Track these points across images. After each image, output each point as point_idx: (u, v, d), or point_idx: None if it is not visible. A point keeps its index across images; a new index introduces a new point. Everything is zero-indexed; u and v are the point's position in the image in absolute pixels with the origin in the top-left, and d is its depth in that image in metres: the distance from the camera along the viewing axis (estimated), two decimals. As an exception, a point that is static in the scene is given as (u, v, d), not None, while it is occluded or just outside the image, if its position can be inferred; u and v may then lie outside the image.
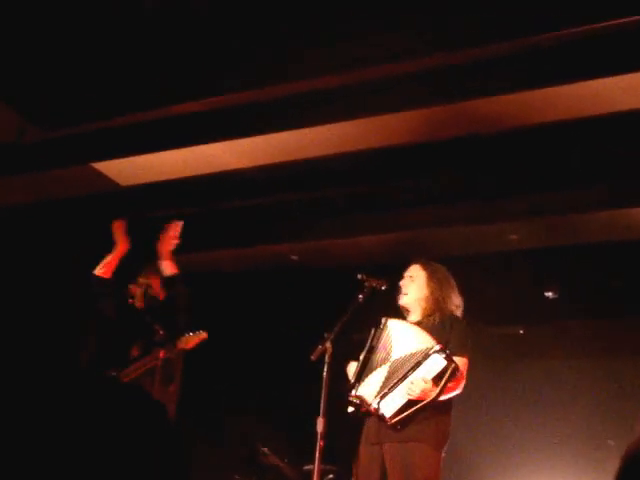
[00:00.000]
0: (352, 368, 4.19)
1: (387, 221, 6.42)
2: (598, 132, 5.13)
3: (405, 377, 3.97)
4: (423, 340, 4.04)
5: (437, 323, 4.13)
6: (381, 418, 3.96)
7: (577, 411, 6.47)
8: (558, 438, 6.46)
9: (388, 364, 4.07)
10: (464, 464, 6.52)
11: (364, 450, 4.06)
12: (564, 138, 5.26)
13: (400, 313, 4.37)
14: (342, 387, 4.19)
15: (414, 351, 4.01)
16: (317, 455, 3.88)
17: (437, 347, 3.96)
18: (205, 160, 5.85)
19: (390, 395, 3.96)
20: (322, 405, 3.92)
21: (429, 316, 4.20)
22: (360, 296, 4.20)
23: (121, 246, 5.00)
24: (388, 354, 4.10)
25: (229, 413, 7.21)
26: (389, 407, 3.93)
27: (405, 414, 3.90)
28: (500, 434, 6.70)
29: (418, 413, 3.94)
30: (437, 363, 3.93)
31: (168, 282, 4.89)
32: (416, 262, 4.38)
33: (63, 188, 6.29)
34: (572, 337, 6.82)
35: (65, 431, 0.90)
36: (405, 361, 4.02)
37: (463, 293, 6.11)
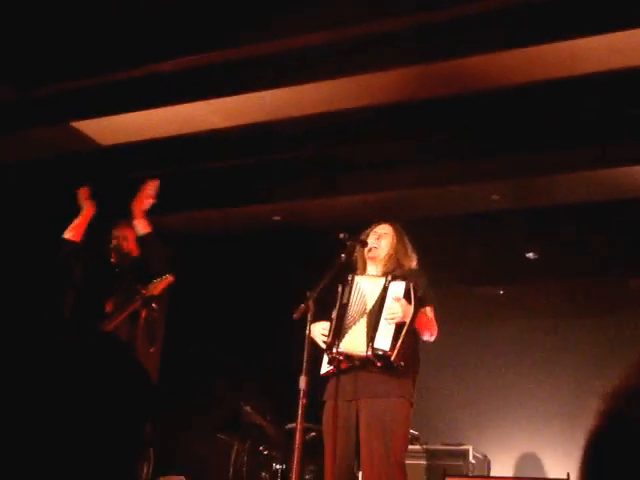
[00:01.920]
0: (318, 328, 4.21)
1: (369, 181, 6.42)
2: (579, 92, 5.13)
3: (380, 313, 4.09)
4: (381, 281, 4.21)
5: (399, 275, 4.20)
6: (382, 358, 3.98)
7: (558, 369, 6.55)
8: (540, 394, 6.55)
9: (365, 316, 4.13)
10: (446, 421, 6.60)
11: (339, 406, 4.10)
12: (546, 99, 5.26)
13: (362, 269, 4.41)
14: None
15: (378, 294, 4.15)
16: (300, 413, 3.89)
17: (389, 277, 4.14)
18: (186, 120, 5.80)
19: (378, 334, 4.02)
20: (305, 363, 3.93)
21: (392, 271, 4.27)
22: (342, 255, 4.21)
23: (87, 210, 5.03)
24: (364, 307, 4.17)
25: (212, 373, 7.24)
26: (384, 341, 3.99)
27: (400, 341, 3.96)
28: (482, 392, 6.78)
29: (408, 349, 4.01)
30: (398, 287, 4.10)
31: (141, 241, 4.88)
32: (385, 221, 4.45)
33: (42, 147, 6.23)
34: (552, 297, 6.88)
35: (42, 375, 0.90)
36: (375, 305, 4.14)
37: (444, 253, 6.16)
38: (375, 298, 4.16)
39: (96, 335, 1.04)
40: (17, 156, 6.36)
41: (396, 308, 4.03)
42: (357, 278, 4.31)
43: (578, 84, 5.01)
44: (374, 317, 4.10)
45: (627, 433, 0.69)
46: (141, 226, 4.88)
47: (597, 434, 0.72)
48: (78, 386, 0.94)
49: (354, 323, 4.16)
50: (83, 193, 5.12)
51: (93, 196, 5.12)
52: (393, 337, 3.99)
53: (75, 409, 0.92)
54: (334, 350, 4.11)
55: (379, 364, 4.02)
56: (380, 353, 3.98)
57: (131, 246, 4.98)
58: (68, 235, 4.95)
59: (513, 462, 6.52)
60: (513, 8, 4.42)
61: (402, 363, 3.99)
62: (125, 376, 0.98)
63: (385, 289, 4.13)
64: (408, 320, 4.02)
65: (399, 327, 4.01)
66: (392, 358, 3.96)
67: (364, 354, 4.03)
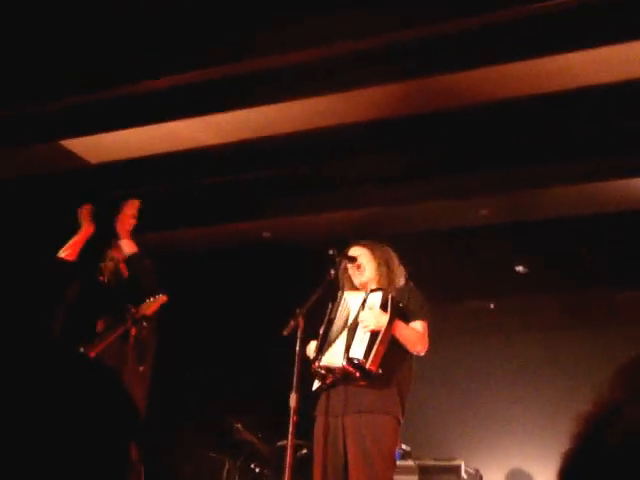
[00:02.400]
0: (312, 346, 4.23)
1: (358, 197, 6.44)
2: (567, 107, 5.16)
3: (357, 325, 4.11)
4: (362, 295, 4.23)
5: (393, 294, 4.20)
6: (358, 367, 3.98)
7: (548, 382, 6.57)
8: (531, 407, 6.55)
9: (346, 329, 4.15)
10: (437, 436, 6.59)
11: (328, 422, 4.09)
12: (535, 113, 5.29)
13: (349, 287, 4.42)
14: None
15: (359, 307, 4.19)
16: (291, 430, 3.90)
17: (368, 291, 4.18)
18: (174, 137, 5.82)
19: (353, 343, 4.03)
20: (295, 381, 3.94)
21: (387, 291, 4.26)
22: (332, 271, 4.23)
23: (86, 229, 4.98)
24: (346, 321, 4.18)
25: (202, 390, 7.22)
26: (358, 350, 4.00)
27: (375, 349, 3.96)
28: (473, 406, 6.78)
29: (384, 375, 4.00)
30: (375, 298, 4.12)
31: (129, 261, 4.87)
32: (358, 243, 4.41)
33: (31, 166, 6.23)
34: (542, 310, 6.90)
35: (24, 396, 0.90)
36: (356, 318, 4.16)
37: (433, 268, 6.17)
38: (356, 311, 4.17)
39: (80, 358, 1.04)
40: (5, 174, 6.35)
41: (368, 316, 4.04)
42: (346, 294, 4.33)
43: (567, 98, 5.04)
44: (352, 328, 4.11)
45: (601, 456, 0.69)
46: (127, 247, 4.86)
47: (571, 457, 0.72)
48: (60, 409, 0.94)
49: (336, 337, 4.18)
50: (85, 212, 5.04)
51: (94, 215, 5.06)
52: (367, 345, 3.99)
53: (57, 432, 0.92)
54: (316, 364, 4.11)
55: (357, 374, 4.02)
56: (355, 362, 3.99)
57: (122, 266, 4.98)
58: (64, 254, 4.91)
59: (505, 476, 6.52)
60: (502, 23, 4.44)
61: (380, 371, 3.97)
62: (108, 400, 0.98)
63: (364, 301, 4.16)
64: (383, 329, 4.00)
65: (374, 336, 4.01)
66: (367, 366, 3.95)
67: (340, 364, 4.03)
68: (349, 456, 4.01)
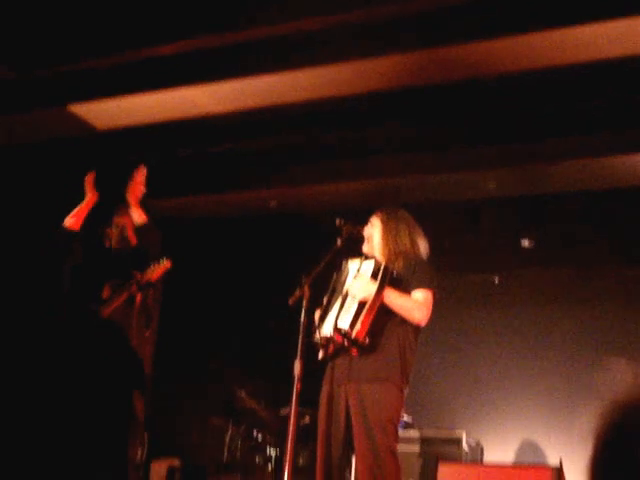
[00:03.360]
0: (317, 315, 4.24)
1: (366, 167, 6.42)
2: (578, 81, 5.13)
3: (348, 294, 4.08)
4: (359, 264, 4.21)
5: (401, 268, 4.16)
6: (346, 337, 3.98)
7: (552, 356, 6.59)
8: (533, 381, 6.58)
9: (340, 297, 4.14)
10: (439, 408, 6.63)
11: (332, 391, 4.10)
12: (545, 87, 5.26)
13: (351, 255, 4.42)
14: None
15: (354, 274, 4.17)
16: (294, 398, 3.90)
17: (363, 258, 4.18)
18: (181, 104, 5.79)
19: (342, 312, 4.03)
20: (299, 348, 3.94)
21: (392, 262, 4.23)
22: (338, 241, 4.22)
23: (90, 198, 4.97)
24: (342, 289, 4.17)
25: (206, 357, 7.26)
26: (346, 320, 3.98)
27: (362, 319, 3.94)
28: (476, 379, 6.81)
29: (382, 330, 4.00)
30: (368, 265, 4.10)
31: (138, 230, 4.86)
32: (377, 210, 4.40)
33: (38, 131, 6.21)
34: (547, 284, 6.90)
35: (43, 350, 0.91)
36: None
37: (440, 240, 6.16)
38: (350, 280, 4.18)
39: (88, 314, 1.04)
40: (12, 139, 6.34)
41: (356, 286, 4.02)
42: (348, 263, 4.32)
43: (578, 71, 5.00)
44: (344, 298, 4.10)
45: None
46: (137, 215, 4.87)
47: None
48: (69, 361, 0.95)
49: (333, 306, 4.17)
50: (89, 180, 5.03)
51: (97, 183, 5.06)
52: (354, 315, 3.97)
53: (66, 382, 0.93)
54: (317, 335, 4.12)
55: (345, 343, 4.02)
56: (342, 332, 3.99)
57: (130, 233, 4.98)
58: (68, 223, 4.91)
59: (506, 448, 6.56)
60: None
61: (367, 340, 3.95)
62: (115, 352, 0.99)
63: (357, 270, 4.14)
64: (370, 298, 4.00)
65: (361, 305, 4.00)
66: (352, 335, 3.94)
67: (329, 334, 4.04)
68: (352, 425, 4.03)
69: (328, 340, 4.08)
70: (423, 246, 4.32)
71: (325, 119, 5.80)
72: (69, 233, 4.87)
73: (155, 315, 5.09)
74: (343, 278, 4.24)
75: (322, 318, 4.15)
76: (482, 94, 5.36)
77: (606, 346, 6.32)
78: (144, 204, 4.98)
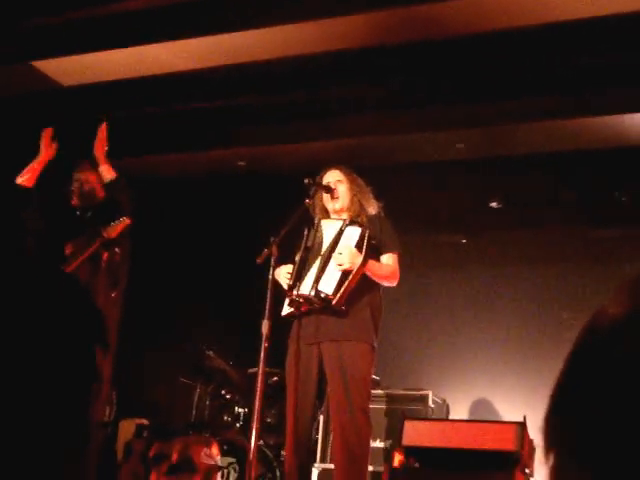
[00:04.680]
0: (283, 271, 4.23)
1: (334, 127, 6.39)
2: (547, 41, 5.12)
3: (330, 256, 4.11)
4: (339, 224, 4.23)
5: (365, 223, 4.21)
6: (324, 301, 4.02)
7: (516, 317, 6.66)
8: (499, 340, 6.66)
9: (319, 257, 4.16)
10: (406, 367, 6.70)
11: (301, 349, 4.14)
12: (513, 46, 5.25)
13: (323, 215, 4.42)
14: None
15: (334, 236, 4.17)
16: (262, 357, 3.92)
17: (347, 221, 4.18)
18: (148, 61, 5.71)
19: (324, 276, 4.06)
20: (267, 308, 3.95)
21: (357, 217, 4.28)
22: (307, 200, 4.22)
23: (45, 154, 4.86)
24: (319, 249, 4.19)
25: (174, 317, 7.25)
26: (328, 285, 4.03)
27: (344, 287, 3.99)
28: (443, 338, 6.88)
29: (356, 297, 4.05)
30: (353, 232, 4.12)
31: (109, 186, 4.80)
32: (334, 167, 4.41)
33: (2, 87, 6.09)
34: (515, 246, 6.96)
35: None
36: (329, 246, 4.17)
37: (407, 201, 6.18)
38: (330, 241, 4.18)
39: (49, 269, 1.03)
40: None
41: (344, 256, 4.04)
42: (322, 222, 4.33)
43: (546, 32, 5.00)
44: (324, 259, 4.13)
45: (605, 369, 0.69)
46: (106, 171, 4.79)
47: (572, 369, 0.72)
48: (30, 314, 0.93)
49: (311, 265, 4.19)
50: (46, 135, 4.92)
51: (55, 139, 4.95)
52: (338, 282, 4.02)
53: (26, 335, 0.92)
54: (294, 292, 4.13)
55: (318, 305, 4.06)
56: (322, 295, 4.02)
57: (94, 188, 4.90)
58: (20, 180, 4.81)
59: (472, 406, 6.66)
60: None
61: (343, 308, 4.02)
62: (75, 308, 0.98)
63: (340, 232, 4.15)
64: (355, 269, 4.03)
65: (346, 273, 4.04)
66: (333, 302, 3.99)
67: (307, 293, 4.06)
68: (328, 383, 4.08)
69: (305, 299, 4.10)
70: (376, 203, 4.38)
71: (293, 78, 5.76)
72: (22, 188, 4.77)
73: (122, 276, 5.04)
74: (319, 237, 4.25)
75: (298, 276, 4.17)
76: (450, 53, 5.34)
77: (571, 305, 6.41)
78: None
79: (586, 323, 0.75)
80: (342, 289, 4.00)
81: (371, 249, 4.13)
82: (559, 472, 0.71)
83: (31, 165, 4.82)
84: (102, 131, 4.86)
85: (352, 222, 4.17)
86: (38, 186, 4.81)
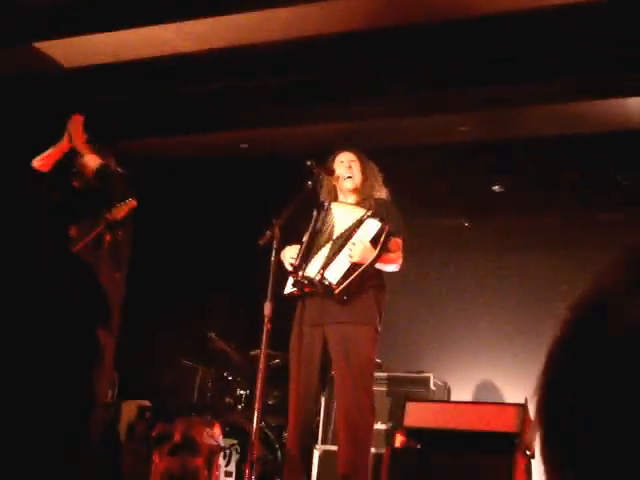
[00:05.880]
0: (289, 252, 4.23)
1: (336, 110, 6.37)
2: (551, 24, 5.10)
3: (344, 245, 4.08)
4: (359, 212, 4.17)
5: (374, 207, 4.20)
6: (327, 288, 4.02)
7: (519, 300, 6.66)
8: (500, 323, 6.67)
9: (331, 242, 4.15)
10: (408, 350, 6.71)
11: (304, 332, 4.15)
12: (517, 29, 5.22)
13: (330, 198, 4.41)
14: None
15: (351, 223, 4.13)
16: (264, 338, 3.93)
17: (369, 212, 4.11)
18: (150, 43, 5.69)
19: (333, 263, 4.05)
20: (269, 290, 3.96)
21: (365, 201, 4.27)
22: (309, 182, 4.21)
23: (66, 142, 4.71)
24: (331, 233, 4.18)
25: (177, 299, 7.27)
26: (334, 274, 4.02)
27: (349, 280, 3.99)
28: (444, 321, 6.88)
29: (360, 285, 4.04)
30: (372, 226, 4.07)
31: (98, 174, 4.70)
32: (348, 149, 4.40)
33: (2, 68, 6.07)
34: (517, 230, 6.96)
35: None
36: (344, 233, 4.13)
37: (410, 184, 6.17)
38: (345, 227, 4.15)
39: (55, 249, 1.03)
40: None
41: (357, 248, 4.01)
42: (333, 205, 4.31)
43: (549, 15, 4.97)
44: (337, 246, 4.11)
45: (601, 346, 0.67)
46: (92, 161, 4.66)
47: (565, 345, 0.70)
48: (34, 295, 0.94)
49: (320, 249, 4.18)
50: (76, 122, 4.75)
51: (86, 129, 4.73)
52: (344, 274, 4.00)
53: (31, 315, 0.92)
54: (300, 273, 4.13)
55: (320, 290, 4.06)
56: (326, 283, 4.01)
57: (91, 174, 4.86)
58: (37, 164, 4.73)
59: (473, 389, 6.67)
60: None
61: (345, 298, 4.02)
62: (80, 289, 0.98)
63: (360, 222, 4.10)
64: (365, 263, 4.02)
65: (354, 266, 4.02)
66: (335, 292, 3.99)
67: (312, 276, 4.06)
68: (333, 365, 4.10)
69: (310, 281, 4.10)
70: (384, 189, 4.38)
71: (295, 60, 5.74)
72: (37, 172, 4.73)
73: (125, 257, 5.05)
74: (330, 221, 4.22)
75: (305, 257, 4.16)
76: (454, 37, 5.32)
77: (574, 290, 6.40)
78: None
79: (583, 299, 0.73)
80: (347, 281, 3.99)
81: (386, 247, 4.09)
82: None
83: (50, 151, 4.69)
84: (77, 122, 4.67)
85: (374, 214, 4.11)
86: (54, 171, 4.72)
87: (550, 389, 0.70)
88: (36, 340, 0.80)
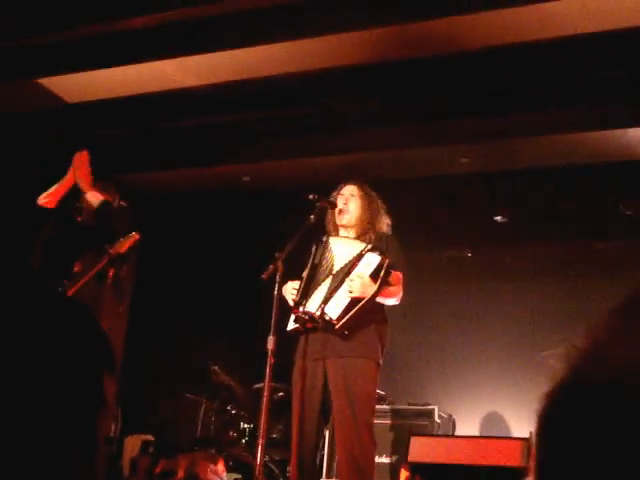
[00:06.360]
0: (290, 287, 4.22)
1: (338, 142, 6.40)
2: (552, 56, 5.14)
3: (344, 280, 4.07)
4: (359, 247, 4.15)
5: (374, 240, 4.20)
6: (328, 323, 4.01)
7: (522, 331, 6.64)
8: (505, 355, 6.64)
9: (331, 277, 4.14)
10: (412, 382, 6.68)
11: (306, 366, 4.13)
12: (517, 62, 5.26)
13: (334, 232, 4.41)
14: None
15: (351, 258, 4.12)
16: (267, 372, 3.92)
17: (369, 246, 4.09)
18: (155, 77, 5.73)
19: (333, 299, 4.03)
20: (273, 324, 3.95)
21: (364, 234, 4.27)
22: (311, 216, 4.21)
23: (71, 177, 4.71)
24: (331, 268, 4.17)
25: (181, 332, 7.25)
26: (334, 309, 4.00)
27: (350, 315, 3.97)
28: (448, 353, 6.86)
29: (361, 319, 4.03)
30: (372, 260, 4.05)
31: (99, 212, 4.70)
32: (352, 182, 4.41)
33: (6, 103, 6.12)
34: (520, 260, 6.95)
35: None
36: (344, 268, 4.12)
37: (412, 215, 6.18)
38: (345, 262, 4.14)
39: (54, 293, 1.03)
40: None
41: (356, 283, 4.00)
42: (332, 239, 4.30)
43: (549, 47, 5.02)
44: (337, 281, 4.10)
45: (585, 395, 0.68)
46: (93, 198, 4.67)
47: (553, 396, 0.71)
48: (32, 343, 0.93)
49: (319, 284, 4.17)
50: (82, 158, 4.63)
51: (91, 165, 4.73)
52: (344, 309, 3.99)
53: (29, 367, 0.91)
54: (300, 309, 4.12)
55: (321, 325, 4.04)
56: (327, 318, 4.00)
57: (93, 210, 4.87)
58: (43, 201, 4.73)
59: (478, 422, 6.64)
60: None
61: (346, 333, 4.00)
62: (81, 335, 0.98)
63: (360, 256, 4.09)
64: (366, 298, 4.01)
65: (354, 301, 4.01)
66: (336, 327, 3.98)
67: (313, 312, 4.05)
68: (333, 399, 4.07)
69: (311, 317, 4.09)
70: (388, 221, 4.37)
71: (299, 93, 5.77)
72: (43, 210, 4.72)
73: (128, 290, 5.04)
74: (329, 255, 4.22)
75: (305, 293, 4.15)
76: (455, 69, 5.36)
77: (578, 321, 6.39)
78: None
79: (569, 351, 0.74)
80: (347, 316, 3.98)
81: (386, 281, 4.08)
82: None
83: (56, 187, 4.69)
84: (83, 158, 4.67)
85: (374, 248, 4.09)
86: (60, 208, 4.71)
87: (544, 436, 0.70)
88: (36, 389, 0.80)
